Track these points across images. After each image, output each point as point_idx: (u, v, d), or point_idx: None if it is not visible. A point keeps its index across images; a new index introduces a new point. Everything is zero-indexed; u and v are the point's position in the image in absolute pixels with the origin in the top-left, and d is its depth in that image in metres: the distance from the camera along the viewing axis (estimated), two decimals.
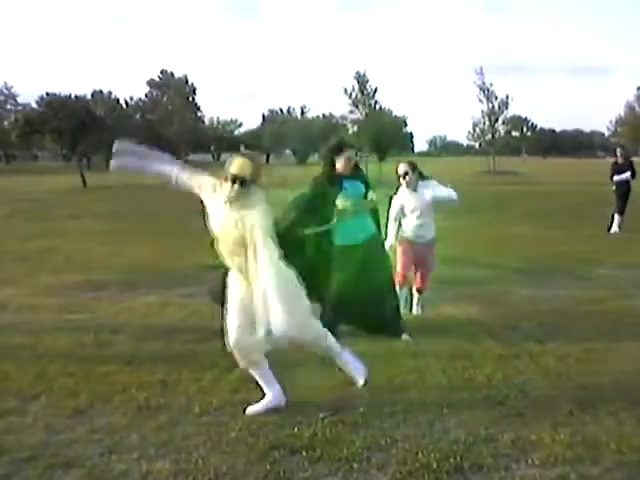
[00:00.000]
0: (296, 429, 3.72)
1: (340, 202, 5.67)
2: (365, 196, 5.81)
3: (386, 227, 6.47)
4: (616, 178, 14.10)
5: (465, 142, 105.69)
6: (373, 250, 5.80)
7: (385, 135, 67.73)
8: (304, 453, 3.43)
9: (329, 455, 3.40)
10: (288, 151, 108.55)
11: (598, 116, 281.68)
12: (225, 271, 4.18)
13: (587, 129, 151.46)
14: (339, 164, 5.73)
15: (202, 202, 4.13)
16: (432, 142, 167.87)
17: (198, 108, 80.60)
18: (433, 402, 4.12)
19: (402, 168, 6.46)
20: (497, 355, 5.11)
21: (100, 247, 12.63)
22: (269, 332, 3.74)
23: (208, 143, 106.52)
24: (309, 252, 5.69)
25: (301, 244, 5.64)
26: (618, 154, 14.27)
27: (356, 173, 5.85)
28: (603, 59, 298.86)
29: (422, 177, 6.53)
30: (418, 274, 6.76)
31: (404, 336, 5.76)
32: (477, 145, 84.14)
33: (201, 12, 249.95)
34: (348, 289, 5.61)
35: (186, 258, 10.83)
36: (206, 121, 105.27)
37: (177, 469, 3.29)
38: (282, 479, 3.20)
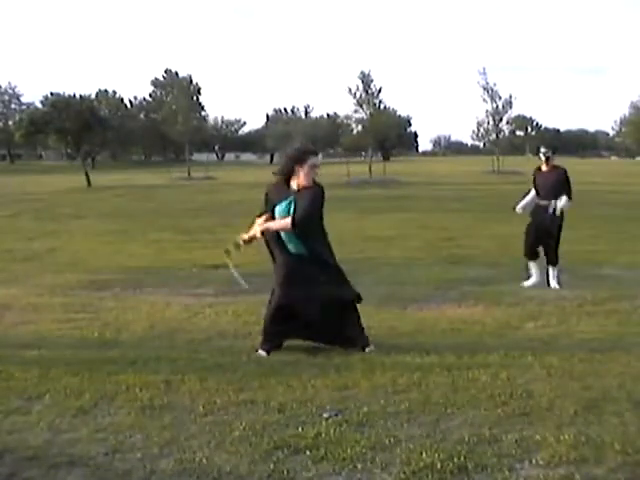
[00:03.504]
0: (300, 429, 3.72)
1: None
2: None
3: None
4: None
5: (469, 142, 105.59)
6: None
7: (389, 135, 67.69)
8: (308, 453, 3.42)
9: (333, 455, 3.39)
10: None
11: (603, 116, 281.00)
12: None
13: (591, 129, 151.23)
14: (300, 175, 5.20)
15: None
16: (436, 142, 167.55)
17: (202, 108, 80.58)
18: (437, 402, 4.11)
19: None
20: (501, 355, 5.10)
21: (104, 247, 12.66)
22: None
23: (212, 143, 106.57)
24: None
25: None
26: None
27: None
28: (608, 59, 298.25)
29: None
30: None
31: (368, 349, 5.33)
32: (482, 145, 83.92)
33: (206, 11, 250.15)
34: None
35: (190, 258, 10.85)
36: (210, 121, 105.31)
37: (181, 468, 3.29)
38: (286, 479, 3.20)
